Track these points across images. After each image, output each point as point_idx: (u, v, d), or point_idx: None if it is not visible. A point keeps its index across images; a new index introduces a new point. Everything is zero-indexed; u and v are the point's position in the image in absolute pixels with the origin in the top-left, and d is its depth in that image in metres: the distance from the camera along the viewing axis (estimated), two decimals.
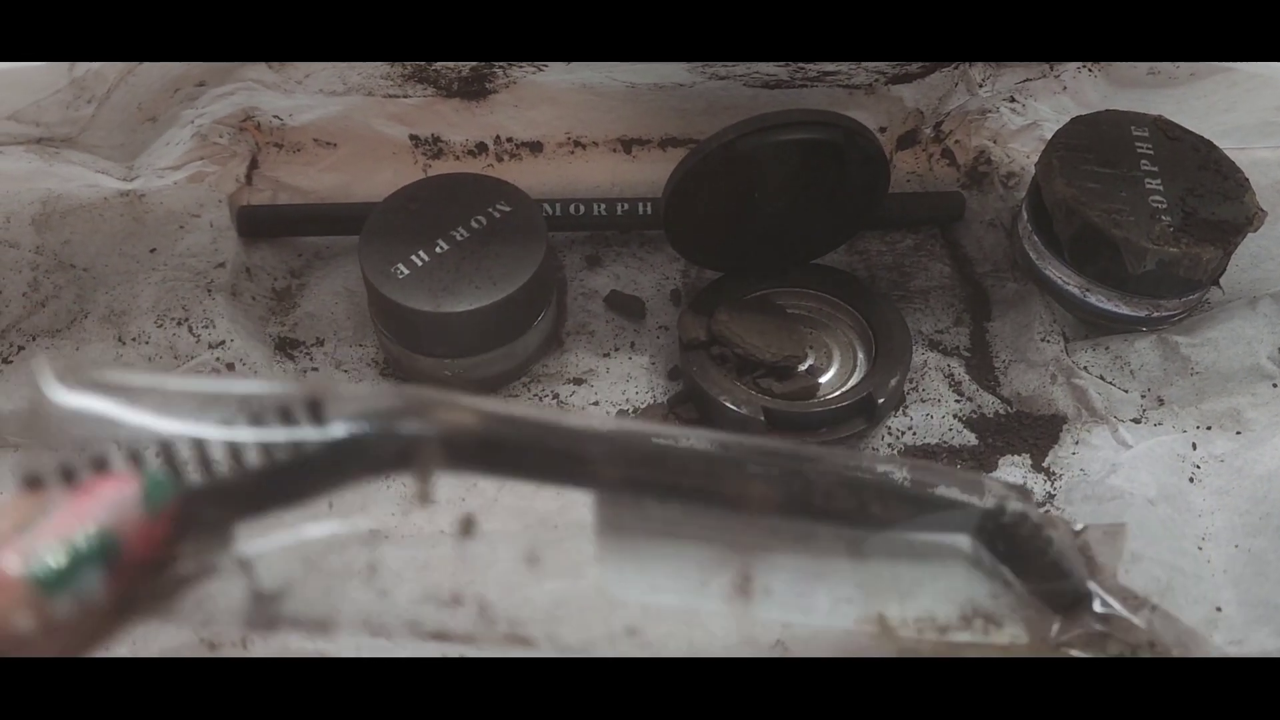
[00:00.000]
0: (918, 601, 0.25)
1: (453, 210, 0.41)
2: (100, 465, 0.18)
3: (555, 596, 0.23)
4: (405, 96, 0.47)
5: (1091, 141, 0.43)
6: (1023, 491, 0.27)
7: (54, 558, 0.15)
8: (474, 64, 0.45)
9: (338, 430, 0.20)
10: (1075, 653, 0.25)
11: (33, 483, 0.17)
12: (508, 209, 0.41)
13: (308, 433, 0.19)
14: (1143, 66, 0.45)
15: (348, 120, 0.48)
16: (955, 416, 0.42)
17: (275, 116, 0.48)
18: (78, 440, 0.18)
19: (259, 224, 0.47)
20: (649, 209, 0.46)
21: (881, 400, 0.40)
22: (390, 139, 0.49)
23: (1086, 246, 0.41)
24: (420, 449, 0.21)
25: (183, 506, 0.18)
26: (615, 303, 0.45)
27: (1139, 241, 0.39)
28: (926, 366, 0.43)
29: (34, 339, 0.41)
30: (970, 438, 0.41)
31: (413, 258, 0.40)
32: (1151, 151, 0.42)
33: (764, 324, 0.42)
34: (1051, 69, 0.47)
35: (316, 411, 0.20)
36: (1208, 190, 0.41)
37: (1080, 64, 0.47)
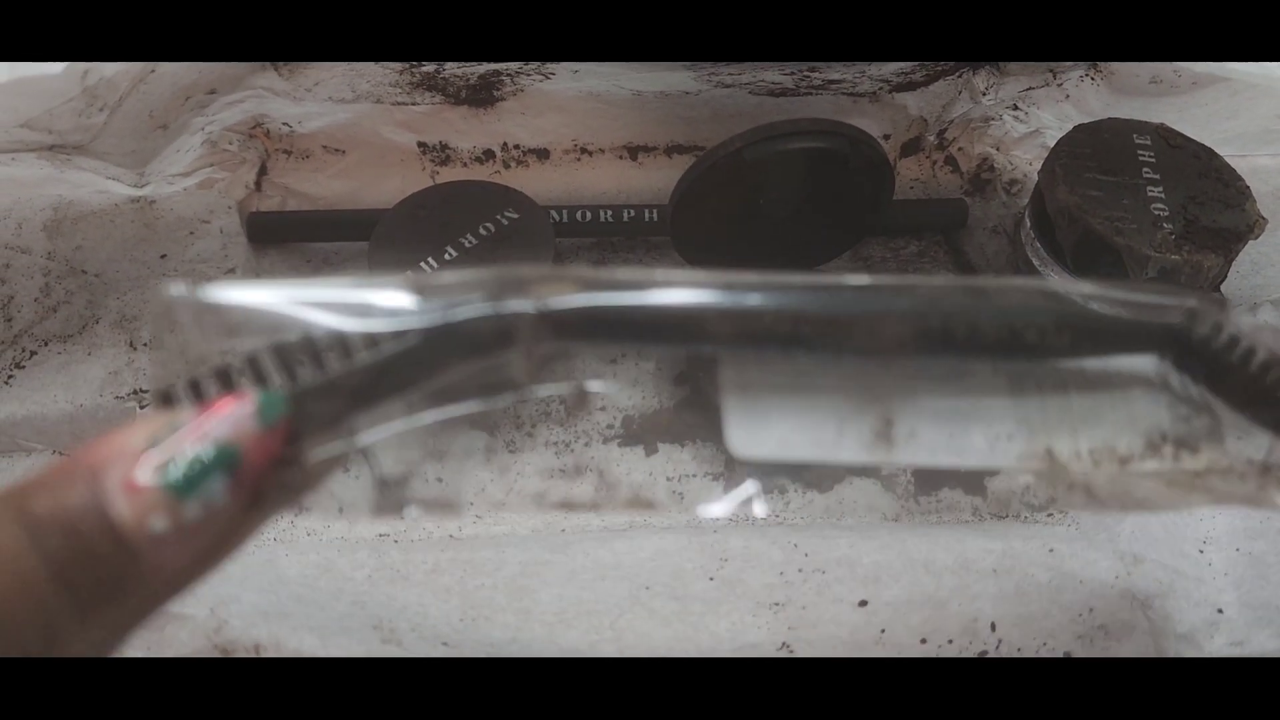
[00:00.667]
0: (1094, 432, 0.22)
1: (461, 217, 0.42)
2: (223, 378, 0.19)
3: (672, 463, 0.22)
4: (414, 104, 0.48)
5: (1094, 149, 0.43)
6: (1217, 299, 0.23)
7: (182, 467, 0.17)
8: (482, 72, 0.46)
9: (438, 315, 0.20)
10: None
11: (161, 397, 0.20)
12: (516, 216, 0.42)
13: (410, 320, 0.20)
14: (1145, 75, 0.45)
15: (356, 127, 0.48)
16: None
17: (285, 124, 0.48)
18: (202, 354, 0.20)
19: (268, 230, 0.47)
20: (655, 216, 0.46)
21: None
22: (398, 146, 0.49)
23: (1089, 254, 0.41)
24: (521, 325, 0.20)
25: (296, 414, 0.19)
26: None
27: (1141, 249, 0.40)
28: None
29: (46, 344, 0.42)
30: None
31: (422, 264, 0.40)
32: (1153, 159, 0.43)
33: None
34: (1054, 77, 0.47)
35: (417, 294, 0.20)
36: (1209, 198, 0.41)
37: (1082, 73, 0.47)
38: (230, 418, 0.18)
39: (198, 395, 0.19)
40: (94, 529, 0.17)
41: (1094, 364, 0.23)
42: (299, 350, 0.20)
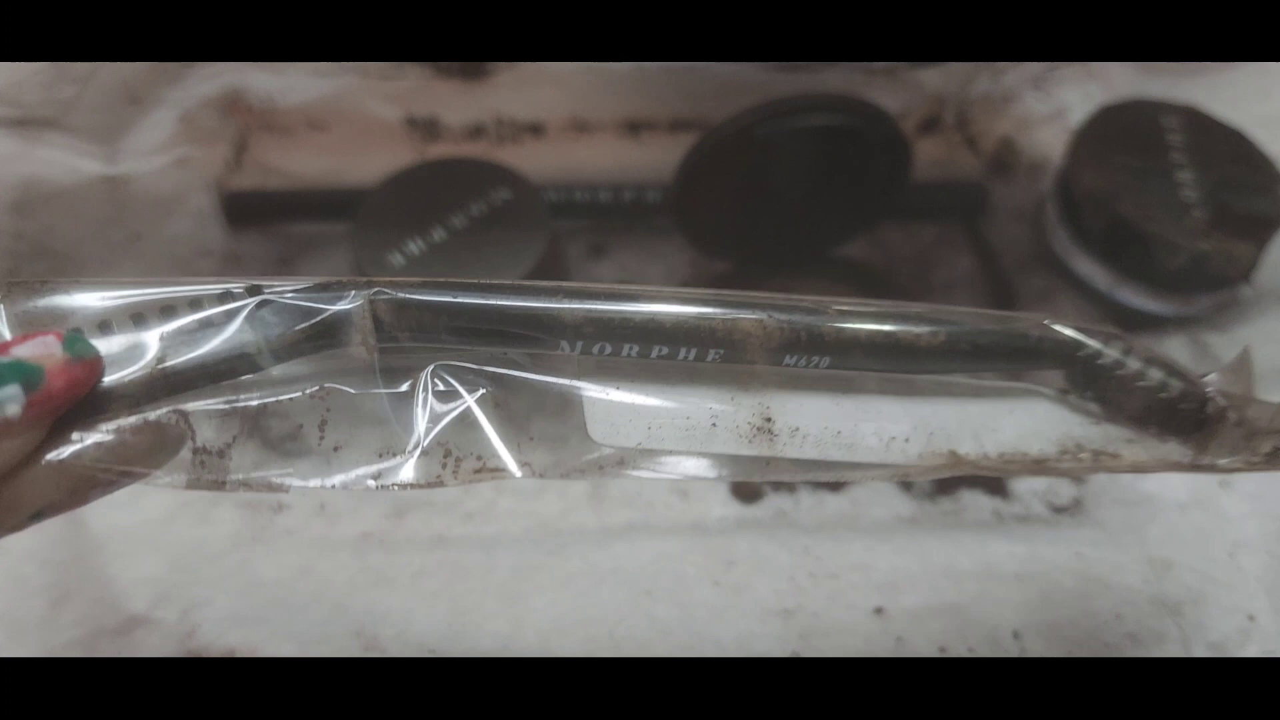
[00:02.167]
0: (999, 438, 0.22)
1: (451, 196, 0.39)
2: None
3: (529, 431, 0.21)
4: (401, 78, 0.45)
5: (1121, 131, 0.41)
6: (1104, 324, 0.23)
7: None
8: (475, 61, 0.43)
9: (275, 300, 0.20)
10: (1222, 462, 0.22)
11: None
12: (509, 196, 0.39)
13: (243, 304, 0.20)
14: None
15: (340, 101, 0.46)
16: None
17: (265, 97, 0.46)
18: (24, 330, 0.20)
19: (246, 210, 0.45)
20: (657, 196, 0.44)
21: None
22: (384, 121, 0.47)
23: (1117, 240, 0.39)
24: (360, 309, 0.20)
25: (110, 365, 0.19)
26: None
27: (1171, 237, 0.38)
28: None
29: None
30: None
31: (409, 246, 0.38)
32: (1182, 142, 0.41)
33: None
34: None
35: (254, 293, 0.20)
36: (1241, 183, 0.39)
37: None
38: (37, 343, 0.18)
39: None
40: None
41: (986, 382, 0.23)
42: (124, 326, 0.20)
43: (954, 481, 0.37)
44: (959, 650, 0.33)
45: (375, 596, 0.34)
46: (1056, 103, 0.46)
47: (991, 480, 0.38)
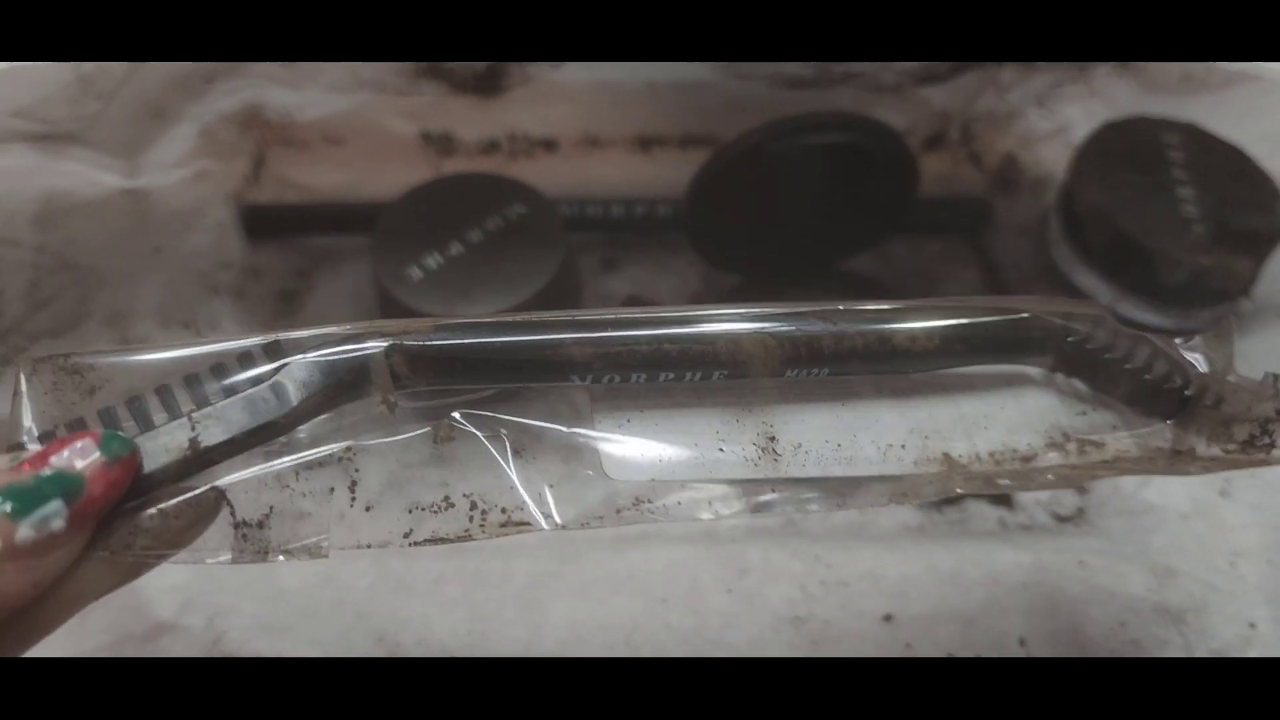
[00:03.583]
0: (990, 435, 0.23)
1: (468, 211, 0.40)
2: (74, 428, 0.20)
3: (547, 479, 0.22)
4: (417, 94, 0.46)
5: (1122, 148, 0.42)
6: (1091, 303, 0.24)
7: (18, 490, 0.18)
8: (489, 61, 0.44)
9: (295, 362, 0.21)
10: (1201, 449, 0.23)
11: (10, 447, 0.20)
12: (525, 210, 0.40)
13: (266, 370, 0.21)
14: (1174, 72, 0.44)
15: (357, 117, 0.47)
16: None
17: (283, 112, 0.47)
18: (56, 416, 0.20)
19: (265, 223, 0.45)
20: (668, 211, 0.44)
21: None
22: (401, 136, 0.48)
23: (1119, 255, 0.40)
24: (377, 364, 0.21)
25: (146, 457, 0.20)
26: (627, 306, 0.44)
27: (1172, 252, 0.38)
28: None
29: (36, 340, 0.40)
30: None
31: (427, 260, 0.39)
32: (1183, 159, 0.41)
33: None
34: (1081, 73, 0.46)
35: (273, 352, 0.21)
36: (1240, 199, 0.40)
37: (1110, 69, 0.46)
38: (73, 450, 0.18)
39: (43, 441, 0.20)
40: None
41: (978, 372, 0.24)
42: (153, 401, 0.20)
43: None
44: (966, 656, 0.34)
45: (396, 603, 0.35)
46: (1059, 120, 0.47)
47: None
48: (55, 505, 0.18)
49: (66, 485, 0.18)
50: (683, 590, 0.35)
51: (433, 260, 0.39)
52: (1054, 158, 0.47)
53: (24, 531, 0.17)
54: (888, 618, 0.35)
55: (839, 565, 0.35)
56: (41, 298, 0.41)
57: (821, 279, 0.43)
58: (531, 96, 0.46)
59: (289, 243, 0.46)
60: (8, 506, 0.17)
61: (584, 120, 0.48)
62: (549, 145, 0.48)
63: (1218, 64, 0.42)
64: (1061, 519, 0.38)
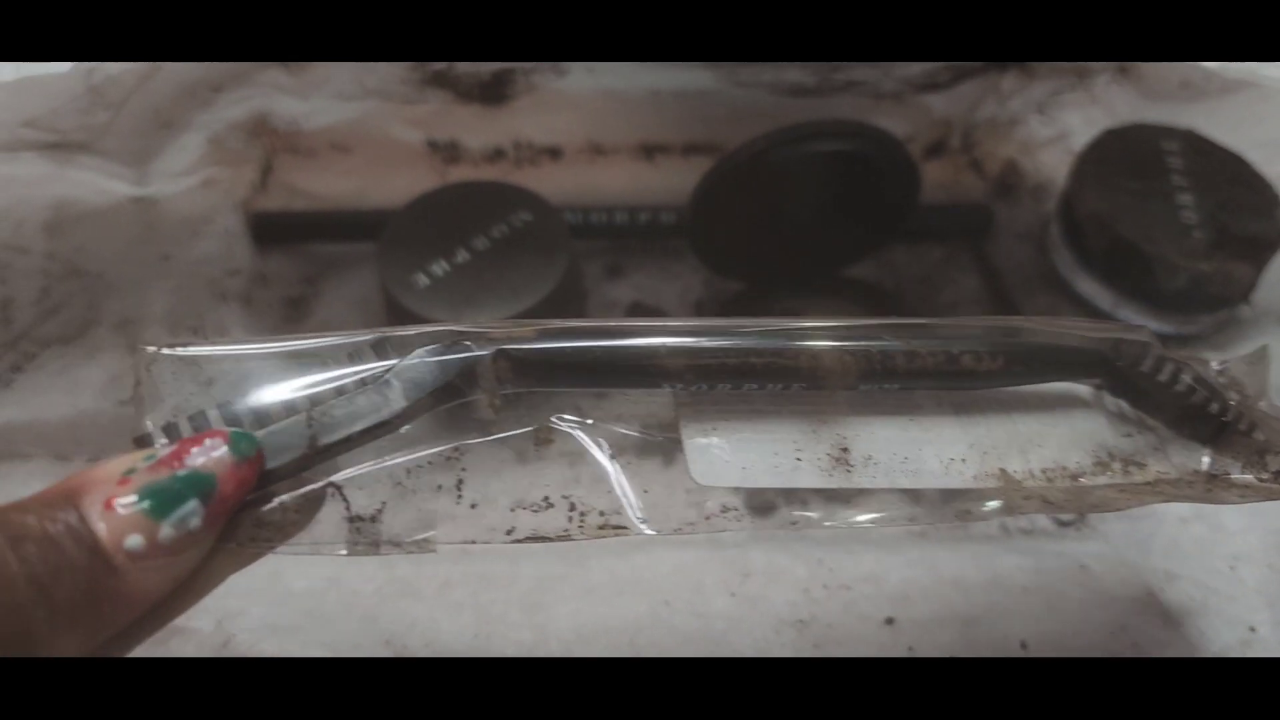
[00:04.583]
0: (1043, 452, 0.24)
1: (473, 218, 0.40)
2: (197, 423, 0.21)
3: (641, 483, 0.23)
4: (423, 102, 0.46)
5: (1122, 154, 0.42)
6: (1141, 329, 0.25)
7: (158, 492, 0.18)
8: (494, 69, 0.45)
9: (407, 363, 0.22)
10: (1235, 476, 0.24)
11: (140, 440, 0.21)
12: (530, 218, 0.40)
13: (379, 369, 0.22)
14: (1173, 79, 0.44)
15: (364, 125, 0.47)
16: None
17: (290, 121, 0.47)
18: (176, 406, 0.21)
19: (273, 230, 0.46)
20: (671, 218, 0.45)
21: None
22: (407, 144, 0.48)
23: (1119, 261, 0.40)
24: (483, 367, 0.22)
25: (269, 453, 0.20)
26: (637, 314, 0.44)
27: (1172, 258, 0.39)
28: None
29: (46, 347, 0.40)
30: None
31: (434, 267, 0.39)
32: (1182, 165, 0.42)
33: None
34: (1081, 80, 0.46)
35: (380, 350, 0.22)
36: (1239, 205, 0.41)
37: (1110, 76, 0.46)
38: (205, 449, 0.19)
39: (174, 437, 0.21)
40: (73, 545, 0.18)
41: (1032, 390, 0.25)
42: (270, 398, 0.21)
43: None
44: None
45: (403, 607, 0.35)
46: (1059, 127, 0.47)
47: None
48: (192, 505, 0.18)
49: (201, 485, 0.19)
50: (686, 593, 0.35)
51: (439, 267, 0.39)
52: (1054, 164, 0.47)
53: (165, 531, 0.18)
54: (890, 621, 0.35)
55: (841, 569, 0.36)
56: (51, 304, 0.42)
57: (824, 285, 0.43)
58: (536, 105, 0.47)
59: (296, 250, 0.46)
60: (148, 505, 0.18)
61: (588, 128, 0.48)
62: (554, 153, 0.49)
63: (1216, 71, 0.43)
64: (1062, 523, 0.38)
